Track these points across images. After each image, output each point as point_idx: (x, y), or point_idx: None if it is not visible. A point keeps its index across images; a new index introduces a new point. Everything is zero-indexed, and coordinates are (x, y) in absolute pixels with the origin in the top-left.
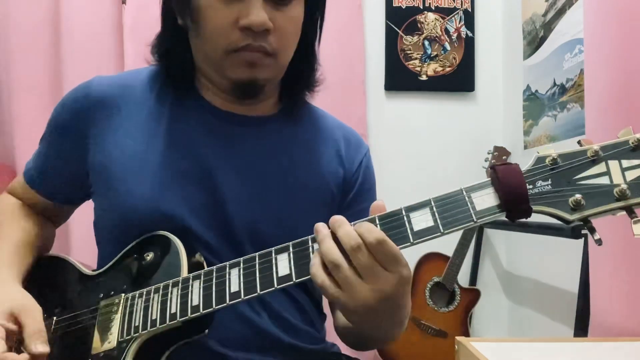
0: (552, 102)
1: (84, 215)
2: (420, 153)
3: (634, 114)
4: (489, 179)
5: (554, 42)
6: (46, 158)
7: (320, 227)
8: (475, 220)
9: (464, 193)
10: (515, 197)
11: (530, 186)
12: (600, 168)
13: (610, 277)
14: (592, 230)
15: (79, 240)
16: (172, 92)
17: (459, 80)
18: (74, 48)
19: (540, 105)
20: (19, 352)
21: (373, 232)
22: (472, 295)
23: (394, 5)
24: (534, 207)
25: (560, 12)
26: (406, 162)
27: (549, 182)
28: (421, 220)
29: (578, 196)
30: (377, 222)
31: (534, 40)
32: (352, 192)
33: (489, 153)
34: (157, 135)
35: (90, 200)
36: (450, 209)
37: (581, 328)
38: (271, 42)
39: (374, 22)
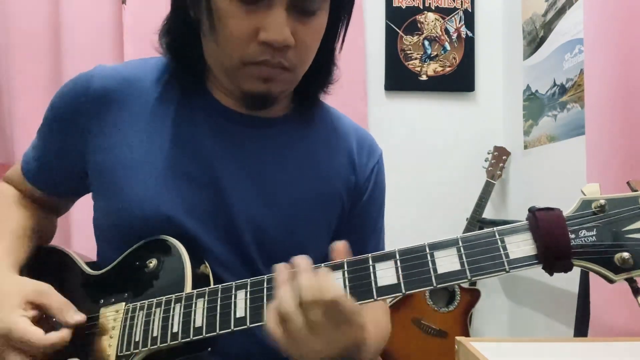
0: (552, 102)
1: (85, 207)
2: (420, 153)
3: (634, 114)
4: (526, 222)
5: (554, 42)
6: (43, 151)
7: (281, 268)
8: (507, 270)
9: (497, 236)
10: (556, 251)
11: (573, 235)
12: None
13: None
14: (637, 292)
15: (80, 233)
16: (180, 88)
17: (459, 80)
18: (74, 48)
19: (540, 105)
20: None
21: (330, 289)
22: (472, 295)
23: (394, 5)
24: (575, 262)
25: (560, 12)
26: (406, 162)
27: (594, 232)
28: (446, 262)
29: (625, 254)
30: (397, 256)
31: (534, 40)
32: (362, 200)
33: (489, 153)
34: (161, 134)
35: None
36: (479, 253)
37: (581, 328)
38: (290, 58)
39: (374, 22)
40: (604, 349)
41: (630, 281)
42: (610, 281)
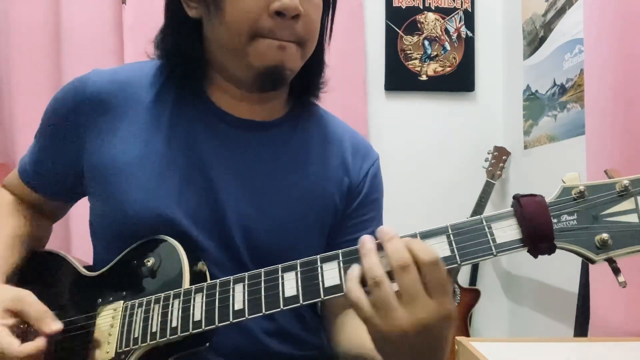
0: (552, 102)
1: (85, 211)
2: (420, 153)
3: (634, 114)
4: (511, 208)
5: (554, 42)
6: (40, 154)
7: (366, 239)
8: (495, 253)
9: (484, 223)
10: (539, 234)
11: (555, 220)
12: (629, 204)
13: (610, 277)
14: (617, 272)
15: (80, 236)
16: (175, 90)
17: (459, 80)
18: (74, 48)
19: (540, 105)
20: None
21: (429, 251)
22: (472, 295)
23: (394, 5)
24: (558, 244)
25: (560, 12)
26: (406, 162)
27: (575, 217)
28: (437, 248)
29: (605, 235)
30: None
31: (534, 40)
32: (356, 202)
33: (489, 153)
34: (157, 136)
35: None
36: (468, 239)
37: (581, 328)
38: (299, 29)
39: (374, 22)
40: (604, 349)
41: (610, 261)
42: (592, 261)
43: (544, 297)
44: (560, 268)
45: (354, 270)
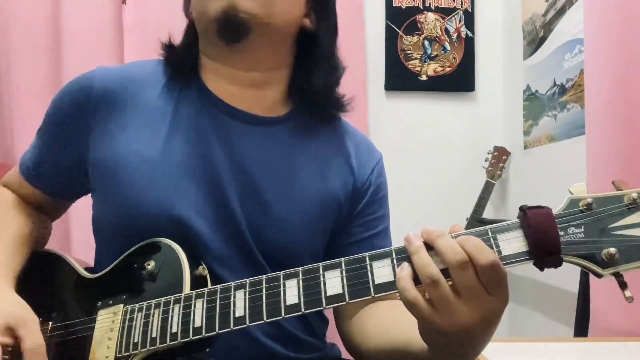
0: (552, 102)
1: (85, 211)
2: (420, 153)
3: (634, 114)
4: (517, 220)
5: (554, 42)
6: (42, 151)
7: (413, 237)
8: None
9: (490, 234)
10: (546, 247)
11: (562, 233)
12: (637, 217)
13: (610, 277)
14: (624, 286)
15: (80, 236)
16: (179, 86)
17: (459, 80)
18: (74, 48)
19: (540, 105)
20: None
21: (485, 252)
22: None
23: (394, 5)
24: (565, 258)
25: (560, 12)
26: (406, 162)
27: (582, 229)
28: None
29: (612, 249)
30: (394, 255)
31: (534, 40)
32: (363, 202)
33: (489, 153)
34: (162, 133)
35: (90, 195)
36: None
37: (581, 328)
38: None
39: (374, 22)
40: (604, 349)
41: (617, 276)
42: (599, 276)
43: (544, 297)
44: (560, 268)
45: (404, 268)
